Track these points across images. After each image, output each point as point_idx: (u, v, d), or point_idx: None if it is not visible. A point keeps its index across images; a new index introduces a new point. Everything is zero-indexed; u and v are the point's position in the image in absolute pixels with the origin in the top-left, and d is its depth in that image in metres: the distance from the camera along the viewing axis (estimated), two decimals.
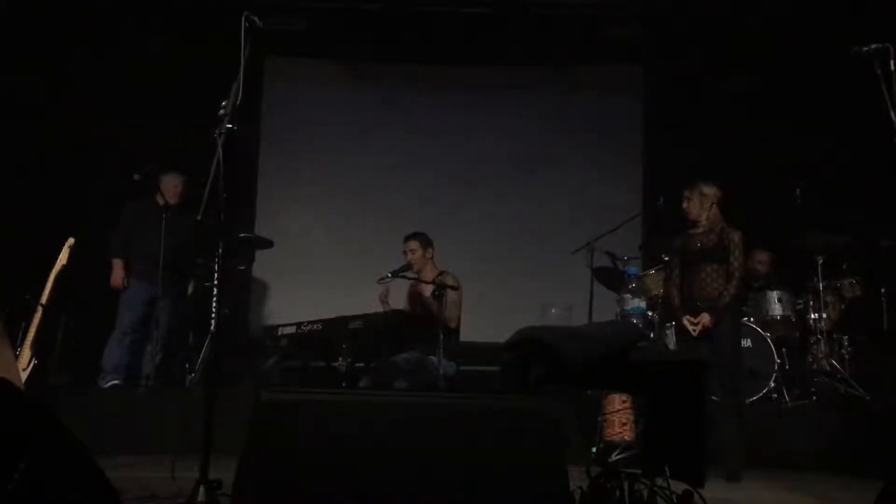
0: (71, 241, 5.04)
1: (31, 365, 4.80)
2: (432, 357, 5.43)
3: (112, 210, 6.39)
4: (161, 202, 6.20)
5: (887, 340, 5.99)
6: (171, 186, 6.28)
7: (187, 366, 6.28)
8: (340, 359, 5.34)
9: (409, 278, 5.91)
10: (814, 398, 6.03)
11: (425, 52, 8.07)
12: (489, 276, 7.36)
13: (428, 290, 5.75)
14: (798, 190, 6.41)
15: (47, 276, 4.95)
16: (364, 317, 5.28)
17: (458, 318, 5.82)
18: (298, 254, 7.76)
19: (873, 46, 3.49)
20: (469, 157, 8.12)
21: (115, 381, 5.95)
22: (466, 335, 5.96)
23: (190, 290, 6.41)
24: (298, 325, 5.49)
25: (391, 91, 8.25)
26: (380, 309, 5.71)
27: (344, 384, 5.34)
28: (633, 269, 6.13)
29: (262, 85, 8.00)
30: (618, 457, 5.05)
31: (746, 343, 5.86)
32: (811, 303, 6.35)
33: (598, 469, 3.05)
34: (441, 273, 5.89)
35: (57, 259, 5.00)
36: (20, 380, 4.66)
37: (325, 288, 7.47)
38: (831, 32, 6.32)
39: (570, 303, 6.66)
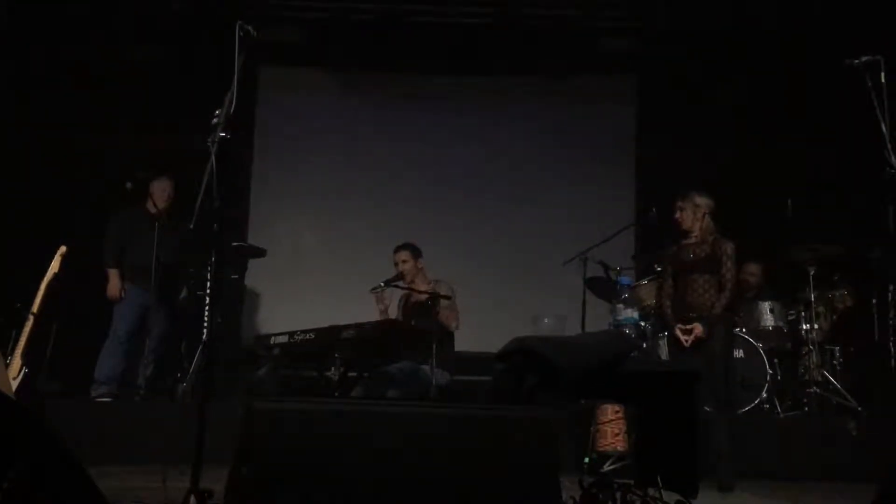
0: (63, 249, 5.01)
1: (22, 374, 4.78)
2: (425, 367, 5.43)
3: (103, 218, 6.36)
4: (152, 210, 6.20)
5: (878, 351, 6.00)
6: (159, 191, 6.26)
7: (179, 375, 6.25)
8: (333, 368, 5.32)
9: (402, 288, 5.92)
10: (805, 409, 6.04)
11: (419, 61, 8.08)
12: (482, 285, 7.35)
13: (421, 299, 5.76)
14: (789, 201, 6.43)
15: (39, 284, 4.94)
16: (357, 326, 5.27)
17: (455, 321, 5.81)
18: (291, 263, 7.75)
19: (864, 58, 3.52)
20: (462, 167, 8.13)
21: (107, 398, 5.91)
22: (459, 345, 5.95)
23: (183, 294, 6.38)
24: (291, 334, 5.48)
25: (385, 100, 8.26)
26: (373, 318, 5.70)
27: (336, 394, 5.33)
28: (625, 279, 6.14)
29: (255, 94, 8.00)
30: (610, 467, 5.05)
31: (738, 353, 5.87)
32: (803, 314, 6.37)
33: (590, 479, 3.05)
34: (434, 282, 5.89)
35: (48, 267, 4.98)
36: (10, 389, 4.64)
37: (318, 297, 7.46)
38: (823, 45, 6.37)
39: (563, 313, 6.66)
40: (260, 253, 6.88)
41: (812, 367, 6.19)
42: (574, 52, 7.83)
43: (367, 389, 5.62)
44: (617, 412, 5.26)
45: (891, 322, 5.73)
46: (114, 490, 3.27)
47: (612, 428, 5.24)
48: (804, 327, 6.33)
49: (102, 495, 2.25)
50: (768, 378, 5.94)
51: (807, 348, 6.28)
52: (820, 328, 6.35)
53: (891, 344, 5.70)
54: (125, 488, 3.67)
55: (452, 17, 7.62)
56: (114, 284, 6.16)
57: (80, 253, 5.44)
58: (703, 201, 5.00)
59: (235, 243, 6.73)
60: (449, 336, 5.80)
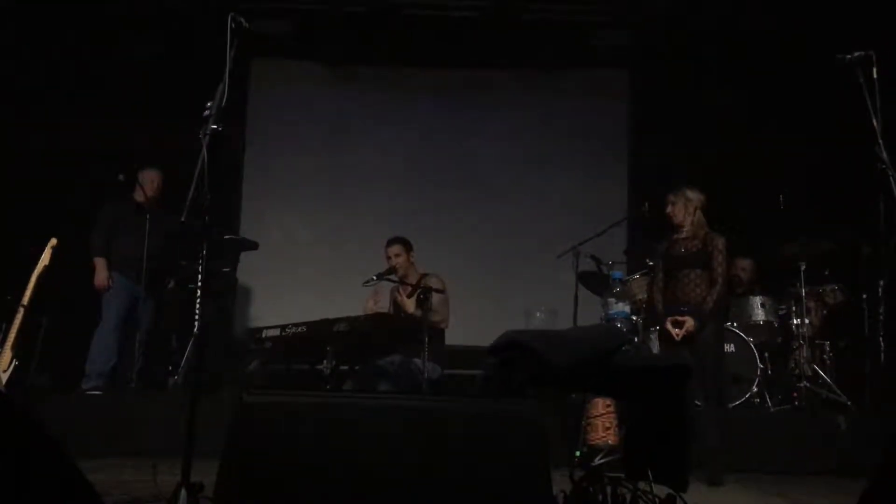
0: (53, 241, 5.01)
1: (12, 366, 4.77)
2: (417, 360, 5.43)
3: (95, 211, 6.34)
4: (141, 199, 6.18)
5: (868, 346, 6.04)
6: (148, 181, 6.25)
7: (170, 368, 6.24)
8: (325, 361, 5.32)
9: (394, 281, 5.93)
10: (796, 403, 6.07)
11: (412, 54, 8.07)
12: (474, 279, 7.36)
13: (412, 293, 5.76)
14: (781, 196, 6.45)
15: (29, 276, 4.92)
16: (349, 319, 5.27)
17: (447, 318, 5.82)
18: (283, 256, 7.74)
19: (856, 54, 3.51)
20: (454, 161, 8.12)
21: (98, 391, 5.88)
22: (451, 339, 5.96)
23: (170, 285, 6.35)
24: (283, 327, 5.48)
25: (377, 94, 8.25)
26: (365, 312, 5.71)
27: (328, 387, 5.33)
28: (617, 273, 6.13)
29: (247, 86, 7.98)
30: (601, 461, 5.06)
31: (729, 348, 5.90)
32: (794, 308, 6.39)
33: (581, 473, 3.05)
34: (424, 275, 5.89)
35: (39, 260, 4.97)
36: (0, 381, 4.64)
37: (310, 290, 7.45)
38: (814, 41, 6.37)
39: (555, 307, 6.66)
40: (252, 246, 6.87)
41: (802, 361, 6.21)
42: (567, 47, 7.84)
43: (358, 383, 5.62)
44: (608, 406, 5.27)
45: (881, 317, 5.76)
46: (104, 483, 3.27)
47: (603, 422, 5.25)
48: (795, 322, 6.36)
49: (93, 488, 2.24)
50: (759, 372, 5.97)
51: (797, 343, 6.30)
52: (810, 323, 6.37)
53: (880, 339, 5.74)
54: (116, 481, 3.66)
55: (445, 10, 7.61)
56: (101, 274, 6.13)
57: (71, 246, 5.45)
58: (694, 196, 5.02)
59: (227, 236, 6.72)
60: (441, 329, 5.81)
